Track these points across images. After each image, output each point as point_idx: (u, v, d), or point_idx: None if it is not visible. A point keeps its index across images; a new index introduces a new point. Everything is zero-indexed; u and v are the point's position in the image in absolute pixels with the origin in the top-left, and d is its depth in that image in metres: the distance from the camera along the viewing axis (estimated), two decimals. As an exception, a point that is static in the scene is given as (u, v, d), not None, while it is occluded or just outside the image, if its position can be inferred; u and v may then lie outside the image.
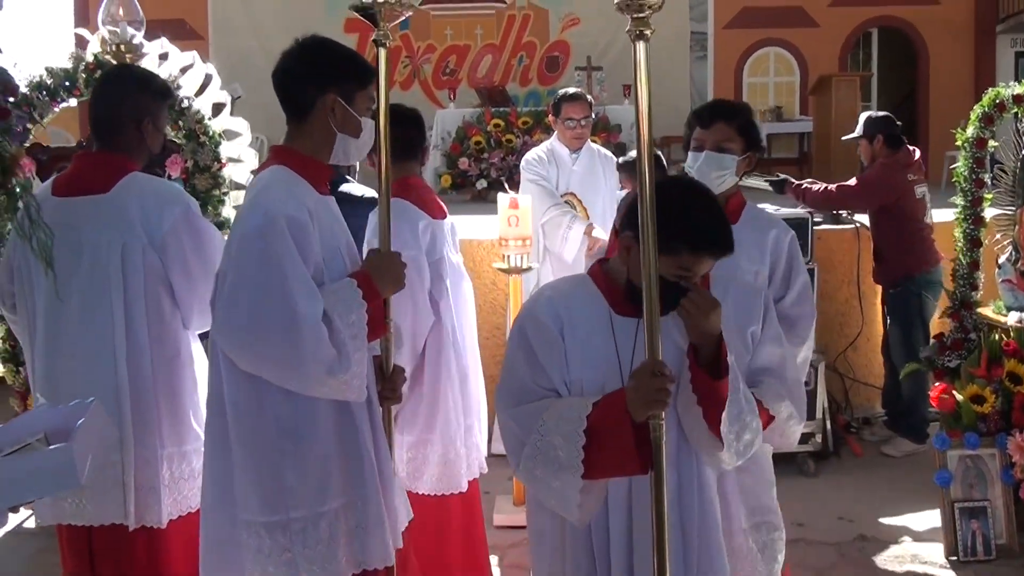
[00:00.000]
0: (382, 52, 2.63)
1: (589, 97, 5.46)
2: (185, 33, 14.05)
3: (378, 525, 2.50)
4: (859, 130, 6.07)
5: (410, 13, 2.68)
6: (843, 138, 6.77)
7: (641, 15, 1.99)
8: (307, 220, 2.40)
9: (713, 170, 3.04)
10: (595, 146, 5.56)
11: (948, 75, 14.22)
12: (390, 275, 2.54)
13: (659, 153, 5.16)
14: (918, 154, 5.99)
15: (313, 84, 2.52)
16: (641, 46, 2.01)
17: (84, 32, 4.76)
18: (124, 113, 3.01)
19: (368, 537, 2.49)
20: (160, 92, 3.11)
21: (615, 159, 5.59)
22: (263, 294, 2.30)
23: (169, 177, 4.59)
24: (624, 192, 4.77)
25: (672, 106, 14.15)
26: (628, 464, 2.13)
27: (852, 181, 5.97)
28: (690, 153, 3.14)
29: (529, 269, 4.27)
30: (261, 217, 2.35)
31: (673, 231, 2.10)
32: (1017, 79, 5.15)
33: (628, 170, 4.80)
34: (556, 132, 5.48)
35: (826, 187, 5.88)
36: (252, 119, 13.57)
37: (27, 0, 14.45)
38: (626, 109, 11.36)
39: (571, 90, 5.45)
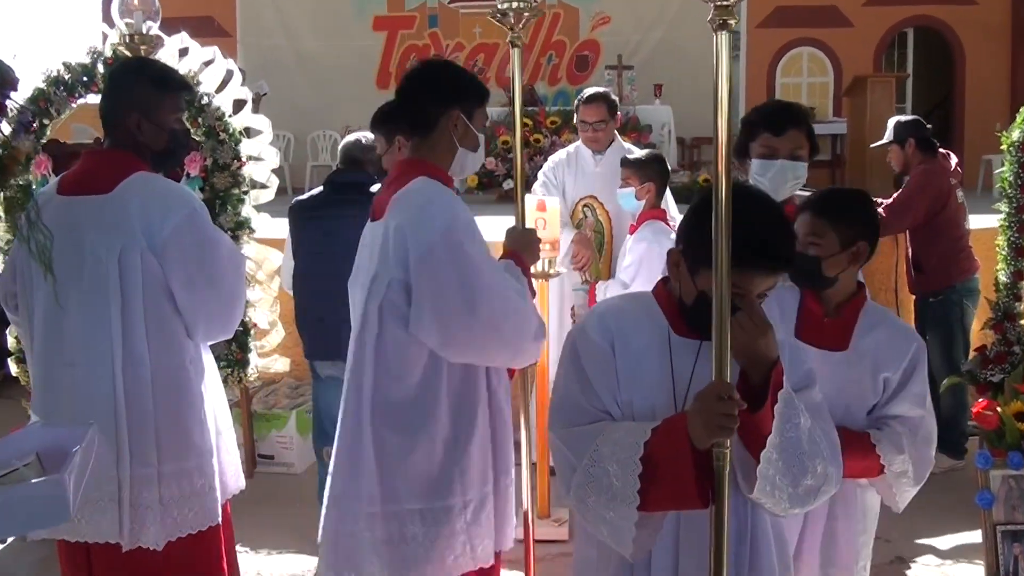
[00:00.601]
0: (515, 52, 3.03)
1: (614, 97, 5.21)
2: (213, 30, 14.04)
3: (510, 507, 2.76)
4: (888, 135, 5.88)
5: (537, 16, 3.10)
6: (872, 145, 6.57)
7: (726, 3, 1.79)
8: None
9: (789, 179, 2.92)
10: (627, 145, 5.35)
11: (985, 77, 13.94)
12: (531, 249, 2.94)
13: (661, 153, 4.96)
14: (955, 159, 5.79)
15: (440, 101, 2.70)
16: (724, 37, 1.81)
17: (108, 29, 4.66)
18: (122, 107, 2.83)
19: (504, 523, 2.74)
20: (160, 84, 2.87)
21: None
22: (476, 290, 2.52)
23: (188, 175, 4.49)
24: (628, 191, 4.57)
25: (703, 107, 13.88)
26: (686, 497, 1.94)
27: (890, 200, 5.77)
28: (758, 161, 2.96)
29: (557, 274, 4.13)
30: (447, 220, 2.55)
31: None
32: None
33: (634, 167, 4.59)
34: None
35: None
36: (278, 117, 13.54)
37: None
38: (656, 109, 11.19)
39: (589, 91, 5.22)
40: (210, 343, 2.98)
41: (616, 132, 5.29)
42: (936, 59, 14.63)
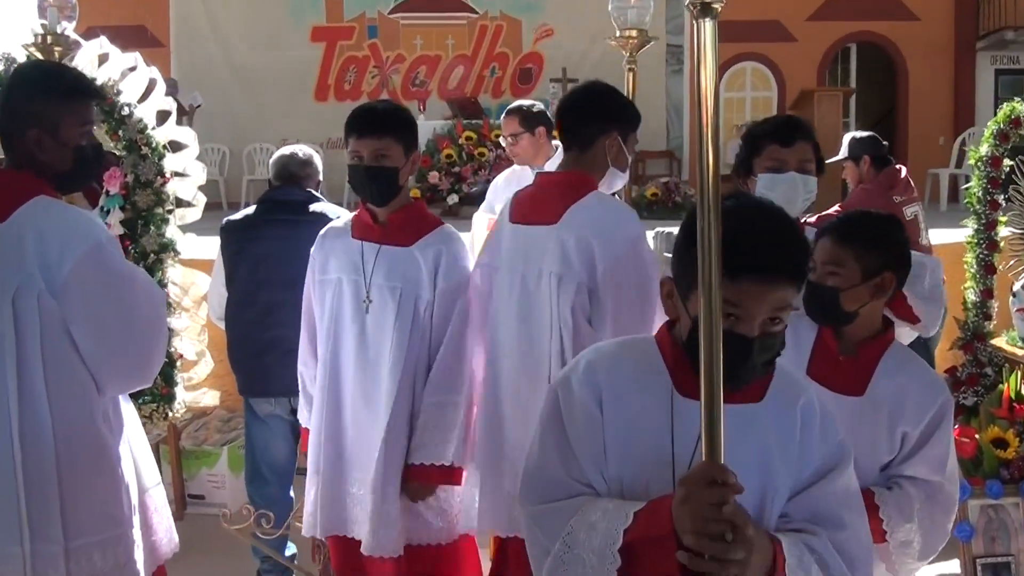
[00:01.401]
0: (630, 76, 3.47)
1: (536, 109, 4.75)
2: (146, 40, 13.56)
3: None
4: (844, 151, 5.71)
5: (653, 41, 3.51)
6: (827, 161, 6.39)
7: None
8: None
9: (800, 194, 2.69)
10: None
11: (928, 92, 14.00)
12: None
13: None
14: (904, 172, 5.62)
15: (602, 122, 2.83)
16: (708, 25, 1.48)
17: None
18: (19, 121, 2.39)
19: None
20: (63, 93, 2.43)
21: None
22: (649, 296, 2.69)
23: (107, 193, 4.11)
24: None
25: (647, 120, 13.75)
26: None
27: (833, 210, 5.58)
28: (766, 175, 2.70)
29: None
30: (632, 233, 2.75)
31: None
32: (997, 96, 4.86)
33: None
34: None
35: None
36: (213, 129, 13.09)
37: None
38: (603, 123, 10.94)
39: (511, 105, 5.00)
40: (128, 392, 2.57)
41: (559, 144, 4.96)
42: (879, 75, 14.68)
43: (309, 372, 3.17)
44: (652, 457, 1.66)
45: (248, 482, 3.95)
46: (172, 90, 12.17)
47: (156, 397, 4.12)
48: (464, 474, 2.99)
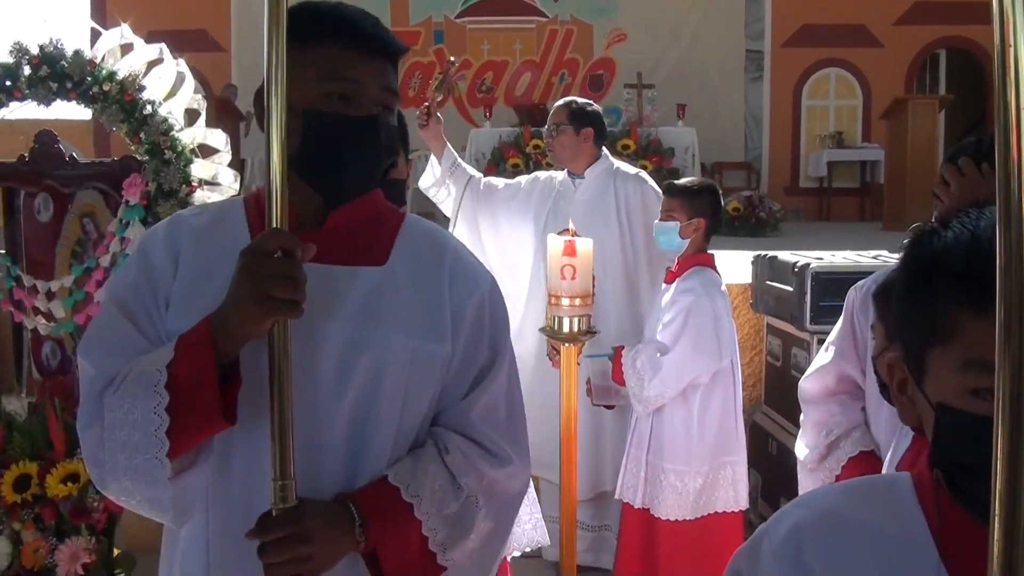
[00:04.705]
0: None
1: (591, 108, 4.21)
2: (207, 44, 13.34)
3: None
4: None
5: None
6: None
7: None
8: None
9: None
10: (615, 164, 4.26)
11: (1023, 100, 13.19)
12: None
13: (715, 184, 3.93)
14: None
15: None
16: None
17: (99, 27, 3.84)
18: None
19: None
20: None
21: (642, 176, 4.23)
22: None
23: (126, 203, 3.62)
24: (671, 225, 3.53)
25: (724, 130, 13.19)
26: None
27: None
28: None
29: (591, 335, 3.15)
30: None
31: (936, 290, 0.93)
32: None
33: (682, 196, 3.53)
34: None
35: None
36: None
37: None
38: (679, 131, 10.34)
39: None
40: None
41: (604, 151, 4.30)
42: (970, 81, 13.89)
43: None
44: None
45: None
46: (232, 96, 11.97)
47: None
48: None
